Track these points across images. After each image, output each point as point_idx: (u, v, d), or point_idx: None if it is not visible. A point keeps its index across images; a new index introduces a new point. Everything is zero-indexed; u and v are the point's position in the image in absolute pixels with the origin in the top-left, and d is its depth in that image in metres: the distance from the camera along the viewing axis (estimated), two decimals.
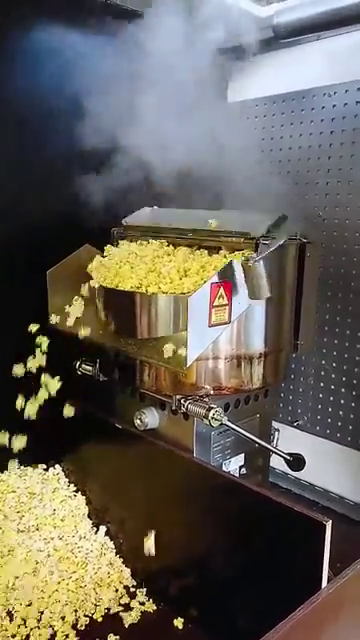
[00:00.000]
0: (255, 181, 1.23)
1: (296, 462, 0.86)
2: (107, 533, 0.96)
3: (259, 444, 0.80)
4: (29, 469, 1.04)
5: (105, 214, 1.01)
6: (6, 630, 0.76)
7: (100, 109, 1.03)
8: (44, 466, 1.06)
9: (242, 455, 0.89)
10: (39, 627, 0.77)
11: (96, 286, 0.83)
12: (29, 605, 0.81)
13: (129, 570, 0.91)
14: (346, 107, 1.07)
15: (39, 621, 0.79)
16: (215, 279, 0.68)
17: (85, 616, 0.81)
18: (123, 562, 0.93)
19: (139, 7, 1.08)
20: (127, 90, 1.09)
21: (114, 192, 1.05)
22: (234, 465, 0.88)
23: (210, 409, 0.73)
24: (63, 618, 0.79)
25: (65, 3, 1.02)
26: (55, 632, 0.77)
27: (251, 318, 0.77)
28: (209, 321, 0.69)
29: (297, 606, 0.62)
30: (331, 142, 1.10)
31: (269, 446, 0.81)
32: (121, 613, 0.81)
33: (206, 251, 0.81)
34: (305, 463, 0.87)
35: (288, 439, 1.12)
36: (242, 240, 0.76)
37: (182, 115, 1.09)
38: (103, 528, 0.96)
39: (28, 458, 1.05)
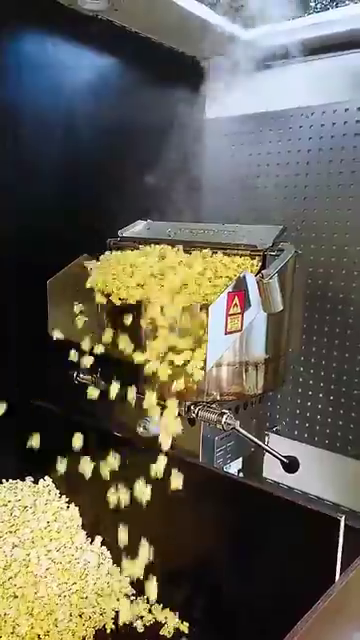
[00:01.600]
0: (234, 196, 1.28)
1: (292, 465, 0.89)
2: (103, 543, 0.95)
3: (261, 447, 0.84)
4: (19, 482, 1.02)
5: (96, 227, 1.03)
6: None
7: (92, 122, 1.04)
8: (31, 478, 1.05)
9: (240, 459, 0.92)
10: None
11: (102, 300, 0.83)
12: (35, 620, 0.80)
13: (128, 579, 0.91)
14: (323, 127, 1.14)
15: (47, 636, 0.78)
16: (230, 289, 0.71)
17: (93, 628, 0.80)
18: (120, 572, 0.93)
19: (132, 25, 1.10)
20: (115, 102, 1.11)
21: (104, 205, 1.07)
22: (234, 469, 0.91)
23: (222, 414, 0.76)
24: (73, 633, 0.79)
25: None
26: None
27: (255, 326, 0.80)
28: (225, 329, 0.71)
29: (315, 600, 0.65)
30: (308, 160, 1.17)
31: (269, 449, 0.84)
32: (132, 622, 0.81)
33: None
34: (299, 466, 0.91)
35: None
36: (249, 252, 0.80)
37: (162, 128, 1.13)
38: (99, 538, 0.95)
39: (16, 471, 1.04)
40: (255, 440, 0.82)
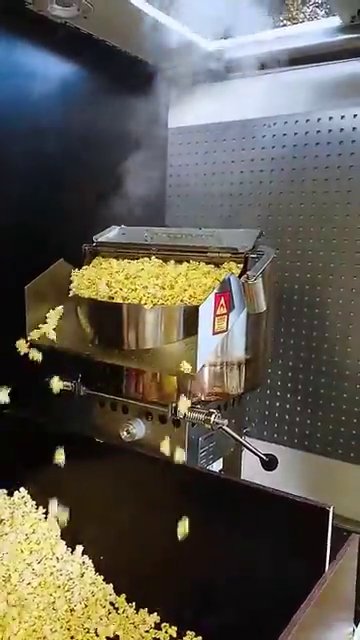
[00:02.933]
0: (197, 204, 1.30)
1: (271, 462, 0.92)
2: (84, 552, 0.94)
3: (244, 445, 0.85)
4: None
5: (69, 232, 1.03)
6: None
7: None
8: (5, 491, 1.02)
9: (221, 459, 0.94)
10: None
11: (83, 296, 0.83)
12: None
13: (111, 586, 0.90)
14: (285, 137, 1.19)
15: None
16: (217, 290, 0.72)
17: None
18: (104, 579, 0.92)
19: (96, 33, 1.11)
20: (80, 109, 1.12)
21: (77, 210, 1.07)
22: (215, 469, 0.93)
23: (211, 414, 0.77)
24: None
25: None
26: None
27: (236, 327, 0.82)
28: (213, 329, 0.73)
29: (309, 589, 0.67)
30: (272, 168, 1.21)
31: (251, 447, 0.86)
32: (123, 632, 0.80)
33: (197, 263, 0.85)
34: (278, 463, 0.94)
35: None
36: (229, 255, 0.82)
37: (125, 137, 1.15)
38: (80, 547, 0.94)
39: None
40: (239, 439, 0.83)
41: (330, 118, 1.12)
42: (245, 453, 1.01)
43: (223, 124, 1.25)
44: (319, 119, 1.13)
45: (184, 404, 0.75)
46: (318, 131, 1.14)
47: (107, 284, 0.82)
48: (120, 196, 1.17)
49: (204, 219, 1.28)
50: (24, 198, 1.02)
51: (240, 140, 1.24)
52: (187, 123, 1.31)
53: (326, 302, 1.16)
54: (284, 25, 1.16)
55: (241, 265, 0.81)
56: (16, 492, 1.00)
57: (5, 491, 1.01)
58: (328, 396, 1.18)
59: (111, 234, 0.98)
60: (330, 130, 1.12)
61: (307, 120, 1.15)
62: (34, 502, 1.00)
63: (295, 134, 1.17)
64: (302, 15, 1.17)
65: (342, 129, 1.11)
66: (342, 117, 1.10)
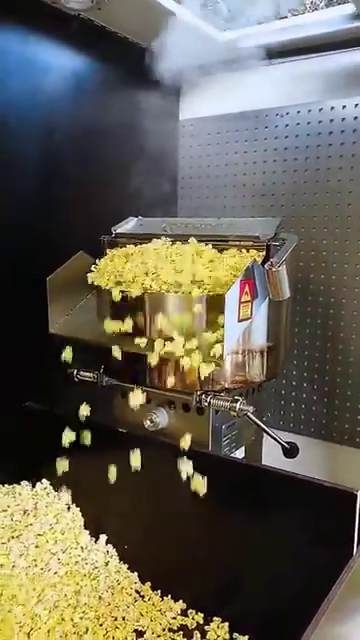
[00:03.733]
0: (209, 195, 1.31)
1: (292, 450, 0.92)
2: (108, 541, 0.95)
3: (267, 432, 0.86)
4: (16, 486, 1.00)
5: (86, 225, 1.03)
6: None
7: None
8: (27, 482, 1.02)
9: (243, 447, 0.94)
10: None
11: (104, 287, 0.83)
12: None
13: (136, 574, 0.91)
14: (298, 126, 1.19)
15: None
16: (241, 277, 0.73)
17: (117, 628, 0.79)
18: (128, 568, 0.92)
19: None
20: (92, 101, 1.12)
21: (89, 203, 1.07)
22: (238, 456, 0.93)
23: (236, 400, 0.78)
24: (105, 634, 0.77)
25: None
26: None
27: (259, 315, 0.83)
28: (238, 316, 0.73)
29: (337, 574, 0.68)
30: (285, 158, 1.21)
31: (273, 434, 0.87)
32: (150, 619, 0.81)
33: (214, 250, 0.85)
34: (299, 451, 0.94)
35: None
36: (251, 244, 0.82)
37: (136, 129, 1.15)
38: (103, 537, 0.95)
39: (11, 475, 1.01)
40: (262, 426, 0.84)
41: (344, 107, 1.12)
42: (265, 441, 1.01)
43: (235, 115, 1.25)
44: (332, 108, 1.13)
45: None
46: (331, 120, 1.14)
47: (128, 274, 0.82)
48: (132, 188, 1.17)
49: (216, 210, 1.28)
50: (37, 192, 1.02)
51: (252, 131, 1.24)
52: (198, 114, 1.31)
53: (342, 291, 1.17)
54: (296, 14, 1.15)
55: (263, 253, 0.81)
56: (38, 483, 1.01)
57: (27, 483, 1.02)
58: (344, 385, 1.19)
59: (129, 225, 0.98)
60: (344, 119, 1.12)
61: (320, 109, 1.15)
62: (56, 493, 1.00)
63: (308, 123, 1.17)
64: (313, 3, 1.16)
65: (356, 117, 1.11)
66: (356, 105, 1.10)
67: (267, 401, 1.28)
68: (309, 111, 1.16)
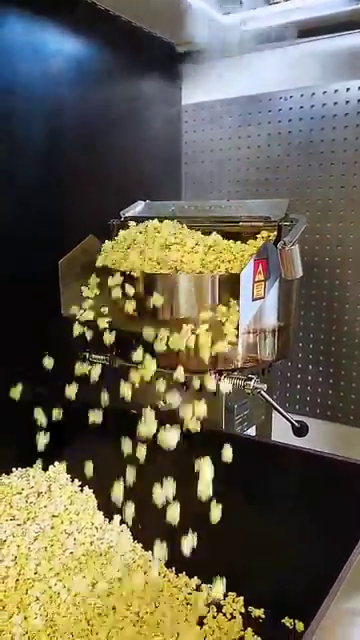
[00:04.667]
0: (213, 180, 1.31)
1: (302, 429, 0.94)
2: (121, 522, 0.96)
3: (278, 411, 0.87)
4: (29, 469, 1.01)
5: (94, 210, 1.04)
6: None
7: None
8: (39, 465, 1.03)
9: (254, 426, 0.95)
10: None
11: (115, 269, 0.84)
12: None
13: (150, 553, 0.92)
14: (302, 109, 1.19)
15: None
16: (255, 256, 0.74)
17: (135, 604, 0.80)
18: (142, 547, 0.94)
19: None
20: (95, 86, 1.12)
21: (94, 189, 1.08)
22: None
23: (250, 379, 0.79)
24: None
25: None
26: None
27: (270, 295, 0.84)
28: (252, 295, 0.74)
29: (350, 549, 0.69)
30: (289, 141, 1.21)
31: (284, 413, 0.88)
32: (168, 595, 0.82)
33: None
34: (308, 430, 0.96)
35: None
36: (262, 224, 0.83)
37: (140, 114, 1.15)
38: (117, 517, 0.96)
39: (23, 459, 1.02)
40: (274, 404, 0.85)
41: (347, 89, 1.12)
42: (275, 421, 1.03)
43: (237, 99, 1.26)
44: (336, 90, 1.14)
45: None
46: (335, 102, 1.14)
47: (138, 255, 0.83)
48: (136, 173, 1.18)
49: (221, 195, 1.29)
50: (45, 176, 1.02)
51: (256, 115, 1.24)
52: (201, 99, 1.31)
53: (346, 273, 1.18)
54: None
55: (274, 234, 0.82)
56: (51, 466, 1.02)
57: (40, 465, 1.03)
58: (350, 366, 1.20)
59: (138, 209, 0.98)
60: (347, 101, 1.13)
61: (324, 92, 1.15)
62: (69, 475, 1.01)
63: (312, 106, 1.17)
64: None
65: (359, 99, 1.11)
66: (359, 88, 1.11)
67: (273, 383, 1.29)
68: (312, 94, 1.17)
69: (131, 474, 0.89)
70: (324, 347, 1.22)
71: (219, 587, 0.76)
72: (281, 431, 0.99)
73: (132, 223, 0.93)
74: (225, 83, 1.27)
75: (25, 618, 0.76)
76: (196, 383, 0.81)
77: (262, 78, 1.23)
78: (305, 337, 1.24)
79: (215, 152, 1.31)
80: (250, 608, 0.81)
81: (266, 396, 0.82)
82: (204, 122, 1.31)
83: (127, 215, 0.97)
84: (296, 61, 1.18)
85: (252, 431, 0.95)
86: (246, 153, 1.27)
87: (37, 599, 0.79)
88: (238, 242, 0.84)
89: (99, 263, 0.87)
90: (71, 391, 0.85)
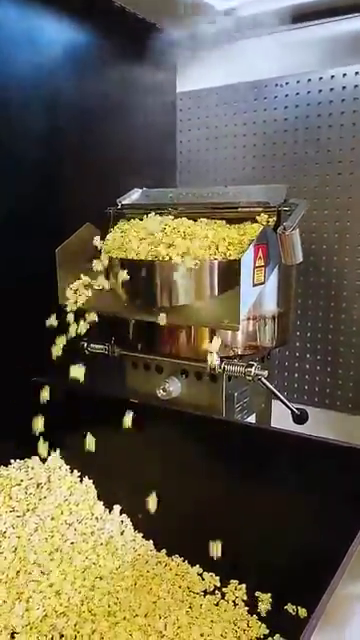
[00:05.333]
0: (209, 168, 1.30)
1: (302, 416, 0.93)
2: (122, 512, 0.95)
3: (279, 398, 0.87)
4: (27, 461, 1.00)
5: (90, 198, 1.03)
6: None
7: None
8: (37, 458, 1.03)
9: (254, 414, 0.95)
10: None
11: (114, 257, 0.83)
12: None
13: (151, 542, 0.92)
14: (298, 96, 1.18)
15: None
16: (256, 241, 0.73)
17: (139, 592, 0.80)
18: (143, 537, 0.93)
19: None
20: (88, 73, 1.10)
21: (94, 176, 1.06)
22: None
23: (251, 365, 0.78)
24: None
25: None
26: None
27: (270, 281, 0.83)
28: (252, 281, 0.73)
29: (354, 534, 0.69)
30: (285, 128, 1.21)
31: (285, 400, 0.88)
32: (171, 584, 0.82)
33: (224, 221, 0.85)
34: (308, 418, 0.95)
35: None
36: (261, 210, 0.82)
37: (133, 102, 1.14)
38: (117, 507, 0.95)
39: (22, 450, 1.02)
40: (275, 391, 0.85)
41: (344, 75, 1.12)
42: (274, 409, 1.03)
43: (233, 86, 1.24)
44: (332, 76, 1.13)
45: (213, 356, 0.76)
46: (332, 89, 1.14)
47: (138, 242, 0.82)
48: (131, 162, 1.17)
49: (216, 183, 1.28)
50: (41, 164, 1.01)
51: (252, 102, 1.23)
52: (196, 87, 1.30)
53: (344, 261, 1.17)
54: None
55: (273, 219, 0.82)
56: (50, 458, 1.01)
57: (38, 458, 1.02)
58: (347, 354, 1.20)
59: (134, 196, 0.97)
60: (344, 87, 1.12)
61: (320, 78, 1.15)
62: (68, 466, 1.01)
63: (308, 93, 1.16)
64: None
65: (356, 85, 1.11)
66: (356, 73, 1.10)
67: (272, 372, 1.28)
68: (309, 80, 1.16)
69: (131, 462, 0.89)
70: (322, 335, 1.22)
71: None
72: (281, 419, 0.98)
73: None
74: (220, 70, 1.26)
75: (26, 609, 0.75)
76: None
77: (257, 65, 1.21)
78: (303, 325, 1.23)
79: (210, 140, 1.29)
80: (257, 593, 0.80)
81: (267, 383, 0.81)
82: (199, 110, 1.30)
83: (124, 203, 0.96)
84: (292, 47, 1.17)
85: (252, 419, 0.95)
86: (242, 141, 1.26)
87: (38, 590, 0.78)
88: (237, 226, 0.83)
89: (100, 247, 0.86)
90: (77, 372, 0.83)
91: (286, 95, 1.19)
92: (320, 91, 1.15)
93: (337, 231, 1.17)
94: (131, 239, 0.82)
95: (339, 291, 1.19)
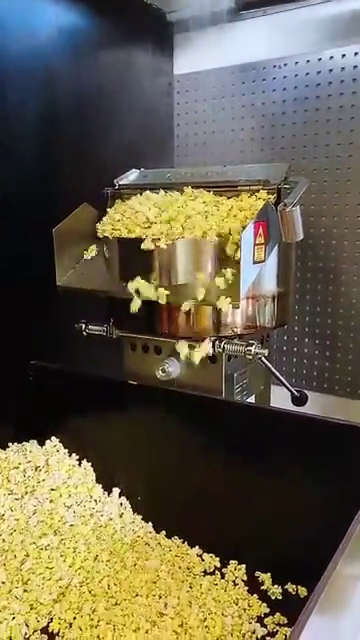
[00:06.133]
0: (206, 152, 1.29)
1: (301, 398, 0.93)
2: (121, 494, 0.95)
3: (279, 379, 0.86)
4: (25, 444, 0.99)
5: (87, 179, 1.02)
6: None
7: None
8: (35, 441, 1.02)
9: (253, 396, 0.95)
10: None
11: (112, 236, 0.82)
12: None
13: (150, 524, 0.92)
14: (297, 77, 1.17)
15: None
16: (256, 218, 0.72)
17: (139, 573, 0.79)
18: (142, 519, 0.93)
19: None
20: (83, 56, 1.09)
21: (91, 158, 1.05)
22: None
23: (251, 344, 0.78)
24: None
25: None
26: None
27: (270, 259, 0.82)
28: (253, 258, 0.73)
29: (354, 513, 0.68)
30: (283, 111, 1.20)
31: (285, 381, 0.87)
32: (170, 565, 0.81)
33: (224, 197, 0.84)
34: (308, 399, 0.95)
35: None
36: (261, 188, 0.81)
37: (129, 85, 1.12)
38: (116, 490, 0.95)
39: (20, 434, 1.01)
40: (275, 372, 0.84)
41: (343, 55, 1.10)
42: (273, 391, 1.02)
43: (230, 68, 1.23)
44: (331, 57, 1.12)
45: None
46: (331, 70, 1.12)
47: (134, 221, 0.81)
48: (127, 144, 1.16)
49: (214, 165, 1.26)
50: (37, 146, 1.00)
51: (249, 84, 1.22)
52: (193, 69, 1.28)
53: (342, 244, 1.17)
54: None
55: (274, 196, 0.81)
56: (48, 441, 1.00)
57: (35, 441, 1.02)
58: (346, 337, 1.20)
59: (132, 177, 0.96)
60: (343, 68, 1.11)
61: (319, 59, 1.13)
62: (66, 450, 1.00)
63: (307, 74, 1.15)
64: None
65: (355, 66, 1.10)
66: (356, 54, 1.09)
67: (269, 356, 1.28)
68: (307, 61, 1.15)
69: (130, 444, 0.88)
70: (320, 319, 1.22)
71: None
72: (279, 402, 0.98)
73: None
74: (218, 52, 1.24)
75: (25, 591, 0.75)
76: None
77: (255, 46, 1.20)
78: (301, 309, 1.23)
79: (208, 123, 1.28)
80: (257, 573, 0.80)
81: (267, 362, 0.81)
82: (197, 93, 1.29)
83: (121, 183, 0.95)
84: (290, 28, 1.15)
85: (251, 400, 0.95)
86: (240, 123, 1.24)
87: (37, 572, 0.77)
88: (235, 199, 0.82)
89: (100, 231, 0.85)
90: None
91: (284, 77, 1.18)
92: (319, 72, 1.14)
93: (336, 214, 1.16)
94: (130, 216, 0.81)
95: (338, 275, 1.18)
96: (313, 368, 1.24)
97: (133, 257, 0.81)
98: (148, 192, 0.87)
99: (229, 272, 0.74)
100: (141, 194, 0.89)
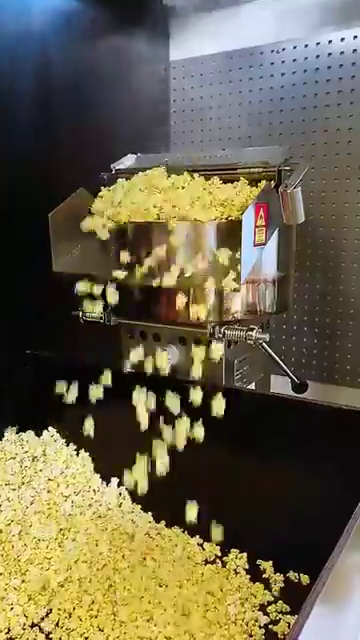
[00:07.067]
0: (203, 138, 1.27)
1: (302, 385, 0.92)
2: (120, 484, 0.94)
3: (279, 365, 0.85)
4: (22, 434, 0.98)
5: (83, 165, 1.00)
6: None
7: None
8: (32, 431, 1.01)
9: (253, 384, 0.93)
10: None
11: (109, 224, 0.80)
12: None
13: (150, 514, 0.90)
14: (295, 62, 1.15)
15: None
16: (257, 200, 0.71)
17: (140, 563, 0.78)
18: (142, 508, 0.92)
19: None
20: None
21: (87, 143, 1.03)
22: None
23: (252, 329, 0.76)
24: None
25: None
26: None
27: (270, 243, 0.81)
28: (254, 241, 0.71)
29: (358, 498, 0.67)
30: (282, 96, 1.18)
31: (286, 368, 0.86)
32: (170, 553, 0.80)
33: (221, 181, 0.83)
34: (308, 387, 0.94)
35: None
36: (261, 170, 0.80)
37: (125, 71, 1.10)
38: (115, 480, 0.94)
39: (16, 424, 0.99)
40: (275, 357, 0.83)
41: (342, 39, 1.09)
42: (273, 379, 1.01)
43: (227, 53, 1.21)
44: (330, 41, 1.10)
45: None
46: (329, 54, 1.11)
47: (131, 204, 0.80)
48: (124, 131, 1.14)
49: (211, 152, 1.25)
50: (33, 131, 0.98)
51: (247, 69, 1.20)
52: (190, 55, 1.26)
53: (342, 231, 1.16)
54: None
55: (274, 180, 0.79)
56: (45, 431, 0.99)
57: (32, 432, 1.00)
58: (346, 326, 1.19)
59: (129, 161, 0.95)
60: (342, 52, 1.09)
61: (317, 43, 1.12)
62: (64, 440, 0.99)
63: (305, 59, 1.14)
64: None
65: (355, 50, 1.08)
66: (355, 37, 1.08)
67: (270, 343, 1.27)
68: (306, 46, 1.13)
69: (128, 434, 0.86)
70: (320, 307, 1.21)
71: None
72: (279, 390, 0.97)
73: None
74: (214, 37, 1.22)
75: (23, 582, 0.74)
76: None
77: (253, 31, 1.18)
78: (300, 297, 1.21)
79: (205, 110, 1.27)
80: (259, 561, 0.79)
81: (267, 348, 0.79)
82: (193, 79, 1.27)
83: (118, 168, 0.93)
84: (287, 12, 1.14)
85: (251, 388, 0.93)
86: (237, 110, 1.23)
87: (35, 563, 0.76)
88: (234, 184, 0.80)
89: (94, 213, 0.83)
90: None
91: (282, 61, 1.16)
92: (317, 56, 1.12)
93: (335, 201, 1.15)
94: (125, 200, 0.80)
95: (337, 262, 1.17)
96: (312, 357, 1.23)
97: (130, 242, 0.79)
98: (148, 172, 0.85)
99: (228, 253, 0.72)
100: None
